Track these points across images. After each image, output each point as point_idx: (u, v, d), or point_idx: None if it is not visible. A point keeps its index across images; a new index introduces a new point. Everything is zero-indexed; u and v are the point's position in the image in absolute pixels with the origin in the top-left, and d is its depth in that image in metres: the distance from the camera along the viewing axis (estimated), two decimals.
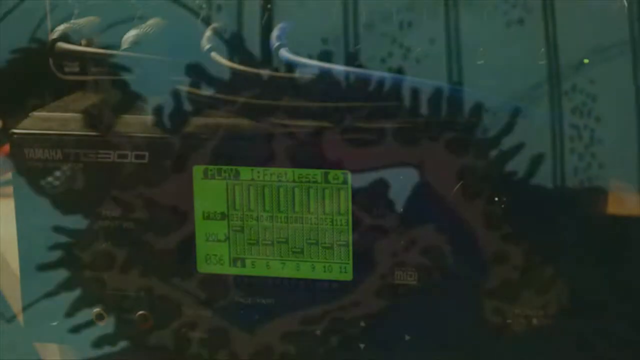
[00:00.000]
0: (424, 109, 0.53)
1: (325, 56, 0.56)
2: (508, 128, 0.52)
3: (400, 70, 0.55)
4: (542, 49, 0.53)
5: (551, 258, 0.53)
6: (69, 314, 0.59)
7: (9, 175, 0.60)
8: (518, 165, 0.52)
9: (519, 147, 0.52)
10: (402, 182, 0.53)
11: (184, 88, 0.56)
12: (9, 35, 0.63)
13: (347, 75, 0.53)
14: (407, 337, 0.55)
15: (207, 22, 0.57)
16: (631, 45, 0.52)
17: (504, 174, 0.52)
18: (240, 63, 0.56)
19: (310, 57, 0.55)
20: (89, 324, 0.59)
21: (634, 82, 0.52)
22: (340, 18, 0.56)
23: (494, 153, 0.52)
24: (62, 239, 0.58)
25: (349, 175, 0.54)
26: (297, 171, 0.55)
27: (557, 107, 0.53)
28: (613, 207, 0.52)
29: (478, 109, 0.52)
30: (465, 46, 0.54)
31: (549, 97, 0.53)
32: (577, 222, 0.52)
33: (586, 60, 0.53)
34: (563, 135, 0.52)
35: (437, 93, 0.52)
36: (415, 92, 0.52)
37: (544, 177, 0.52)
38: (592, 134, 0.53)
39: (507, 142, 0.52)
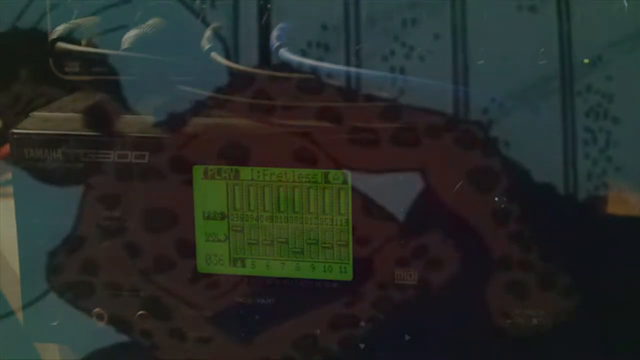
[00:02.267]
0: (426, 109, 0.53)
1: (326, 51, 0.55)
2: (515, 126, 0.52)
3: (402, 70, 0.55)
4: (542, 49, 0.53)
5: (553, 258, 0.53)
6: (69, 313, 0.59)
7: (9, 175, 0.60)
8: (522, 164, 0.52)
9: (525, 146, 0.52)
10: (402, 182, 0.53)
11: (184, 88, 0.56)
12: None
13: (347, 75, 0.53)
14: (407, 337, 0.55)
15: (207, 22, 0.57)
16: None
17: (507, 174, 0.52)
18: (240, 63, 0.56)
19: (310, 48, 0.55)
20: (89, 324, 0.59)
21: None
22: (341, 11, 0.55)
23: (497, 152, 0.52)
24: (62, 239, 0.58)
25: (349, 175, 0.54)
26: (297, 171, 0.55)
27: (570, 106, 0.52)
28: (618, 208, 0.52)
29: (483, 108, 0.52)
30: (471, 40, 0.54)
31: (560, 94, 0.52)
32: (580, 223, 0.52)
33: (586, 60, 0.53)
34: (576, 137, 0.52)
35: (440, 93, 0.52)
36: (416, 92, 0.52)
37: (548, 177, 0.52)
38: (608, 136, 0.52)
39: (513, 141, 0.52)
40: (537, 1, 0.53)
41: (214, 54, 0.55)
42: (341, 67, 0.54)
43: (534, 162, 0.52)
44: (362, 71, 0.54)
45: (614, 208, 0.52)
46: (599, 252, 0.52)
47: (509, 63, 0.53)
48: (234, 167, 0.55)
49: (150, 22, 0.58)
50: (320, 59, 0.54)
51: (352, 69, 0.54)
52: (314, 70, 0.53)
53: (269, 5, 0.56)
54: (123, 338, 0.59)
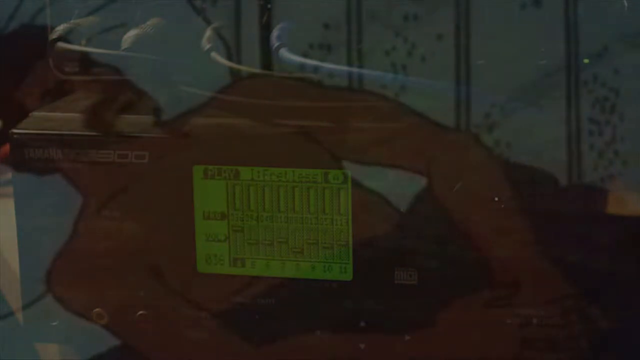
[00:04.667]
0: (426, 109, 0.53)
1: (326, 49, 0.55)
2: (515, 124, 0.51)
3: (404, 67, 0.54)
4: (542, 49, 0.53)
5: (553, 259, 0.53)
6: (69, 313, 0.59)
7: (9, 175, 0.60)
8: (522, 164, 0.52)
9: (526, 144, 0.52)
10: (403, 182, 0.53)
11: (184, 88, 0.56)
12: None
13: (348, 75, 0.53)
14: (407, 337, 0.55)
15: (207, 22, 0.57)
16: None
17: (508, 174, 0.52)
18: (240, 63, 0.56)
19: (311, 47, 0.55)
20: (88, 324, 0.58)
21: None
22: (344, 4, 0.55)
23: (498, 151, 0.52)
24: (62, 239, 0.58)
25: (349, 175, 0.54)
26: (297, 171, 0.55)
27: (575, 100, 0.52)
28: (620, 207, 0.52)
29: (484, 107, 0.52)
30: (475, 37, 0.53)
31: (565, 89, 0.52)
32: (583, 221, 0.52)
33: (586, 60, 0.53)
34: (580, 131, 0.51)
35: (441, 93, 0.52)
36: (416, 92, 0.52)
37: (550, 177, 0.52)
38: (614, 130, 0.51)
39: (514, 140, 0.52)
40: None
41: (214, 54, 0.55)
42: (342, 67, 0.54)
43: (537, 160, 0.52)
44: (364, 71, 0.54)
45: (614, 208, 0.52)
46: (599, 252, 0.52)
47: (510, 62, 0.53)
48: (234, 167, 0.55)
49: (150, 22, 0.58)
50: (322, 59, 0.54)
51: (354, 69, 0.54)
52: (315, 70, 0.53)
53: (269, 5, 0.56)
54: (123, 338, 0.59)
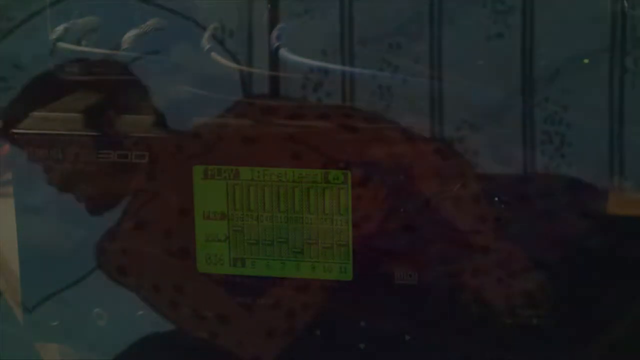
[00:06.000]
0: (423, 110, 0.53)
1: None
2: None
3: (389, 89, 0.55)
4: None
5: (554, 258, 0.53)
6: (69, 313, 0.59)
7: (9, 175, 0.60)
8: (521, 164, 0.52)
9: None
10: (402, 182, 0.54)
11: (184, 88, 0.56)
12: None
13: (346, 75, 0.53)
14: (407, 337, 0.55)
15: (207, 22, 0.57)
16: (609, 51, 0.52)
17: (506, 174, 0.52)
18: (240, 63, 0.56)
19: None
20: (89, 324, 0.59)
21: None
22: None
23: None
24: (62, 238, 0.58)
25: (349, 175, 0.54)
26: (297, 171, 0.55)
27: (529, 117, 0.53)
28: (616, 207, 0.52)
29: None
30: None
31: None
32: (584, 221, 0.52)
33: (586, 60, 0.53)
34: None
35: (434, 95, 0.53)
36: (413, 93, 0.53)
37: (552, 176, 0.52)
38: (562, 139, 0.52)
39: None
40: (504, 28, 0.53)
41: (214, 54, 0.55)
42: (341, 67, 0.54)
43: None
44: (362, 71, 0.54)
45: (615, 208, 0.52)
46: (599, 251, 0.53)
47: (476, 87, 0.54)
48: (234, 167, 0.56)
49: (150, 22, 0.58)
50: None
51: (353, 69, 0.54)
52: (314, 71, 0.53)
53: (269, 5, 0.56)
54: (123, 338, 0.59)
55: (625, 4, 0.52)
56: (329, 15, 0.55)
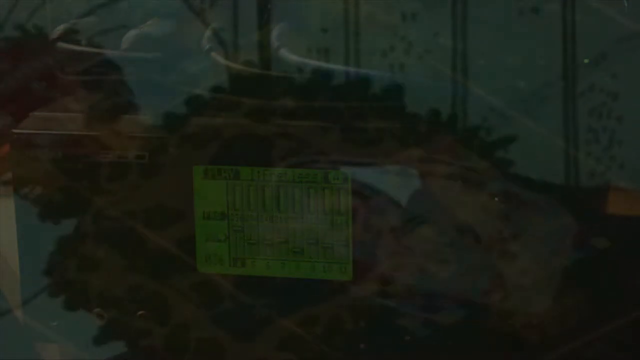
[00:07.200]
0: (425, 110, 0.53)
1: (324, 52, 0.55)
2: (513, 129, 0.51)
3: (402, 66, 0.54)
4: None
5: (554, 258, 0.53)
6: (69, 313, 0.59)
7: (9, 175, 0.60)
8: (522, 164, 0.52)
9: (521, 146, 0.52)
10: (402, 182, 0.53)
11: (184, 88, 0.56)
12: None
13: (347, 74, 0.53)
14: (406, 337, 0.55)
15: (206, 22, 0.57)
16: None
17: (507, 174, 0.52)
18: (240, 63, 0.56)
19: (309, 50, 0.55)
20: (88, 324, 0.59)
21: None
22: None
23: (498, 154, 0.52)
24: (62, 238, 0.58)
25: (349, 175, 0.54)
26: (297, 171, 0.55)
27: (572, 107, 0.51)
28: (619, 207, 0.52)
29: (482, 109, 0.52)
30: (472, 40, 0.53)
31: (562, 97, 0.52)
32: (584, 223, 0.52)
33: (586, 60, 0.53)
34: (578, 137, 0.51)
35: (439, 93, 0.52)
36: (415, 92, 0.52)
37: (552, 177, 0.52)
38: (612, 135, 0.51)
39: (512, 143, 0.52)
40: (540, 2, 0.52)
41: (214, 54, 0.55)
42: (342, 67, 0.54)
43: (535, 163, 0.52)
44: (363, 71, 0.54)
45: (615, 207, 0.52)
46: (599, 251, 0.52)
47: (509, 66, 0.53)
48: (234, 167, 0.55)
49: (150, 22, 0.58)
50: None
51: (353, 69, 0.54)
52: (314, 70, 0.53)
53: (269, 5, 0.56)
54: (123, 338, 0.59)
55: (625, 4, 0.52)
56: None
